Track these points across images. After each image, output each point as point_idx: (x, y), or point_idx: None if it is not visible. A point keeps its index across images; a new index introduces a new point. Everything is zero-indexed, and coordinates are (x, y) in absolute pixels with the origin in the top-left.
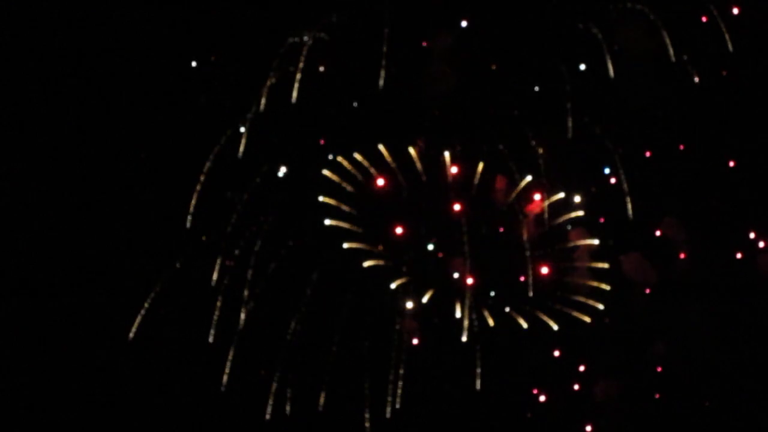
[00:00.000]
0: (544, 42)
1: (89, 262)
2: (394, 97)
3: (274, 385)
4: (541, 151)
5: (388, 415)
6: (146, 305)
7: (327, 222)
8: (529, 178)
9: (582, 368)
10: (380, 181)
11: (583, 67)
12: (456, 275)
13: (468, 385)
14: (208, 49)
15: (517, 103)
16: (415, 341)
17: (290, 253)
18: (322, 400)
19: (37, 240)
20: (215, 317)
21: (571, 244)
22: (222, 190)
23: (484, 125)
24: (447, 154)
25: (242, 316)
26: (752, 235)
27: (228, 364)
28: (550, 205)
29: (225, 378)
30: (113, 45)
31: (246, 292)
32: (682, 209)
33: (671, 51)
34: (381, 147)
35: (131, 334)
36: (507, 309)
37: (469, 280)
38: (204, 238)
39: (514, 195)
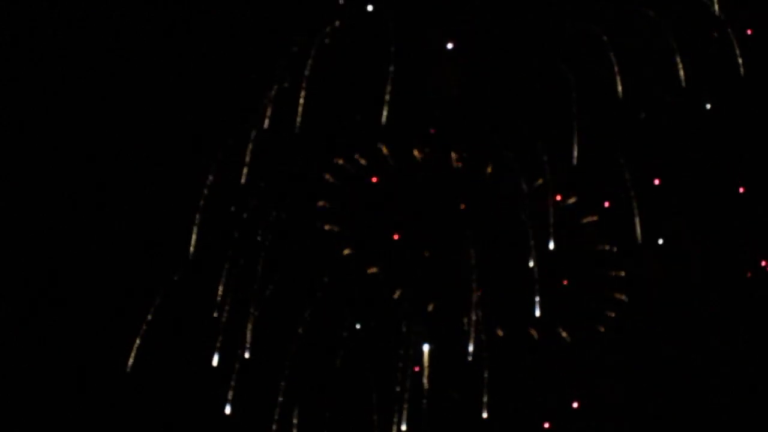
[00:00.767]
0: (552, 48)
1: (82, 286)
2: (399, 101)
3: (278, 410)
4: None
5: None
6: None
7: (326, 227)
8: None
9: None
10: (380, 185)
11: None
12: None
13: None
14: (210, 56)
15: (523, 108)
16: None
17: (292, 269)
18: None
19: (26, 263)
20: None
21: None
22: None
23: (490, 130)
24: (453, 155)
25: (248, 335)
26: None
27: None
28: (560, 211)
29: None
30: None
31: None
32: (692, 213)
33: (682, 74)
34: (384, 150)
35: (129, 365)
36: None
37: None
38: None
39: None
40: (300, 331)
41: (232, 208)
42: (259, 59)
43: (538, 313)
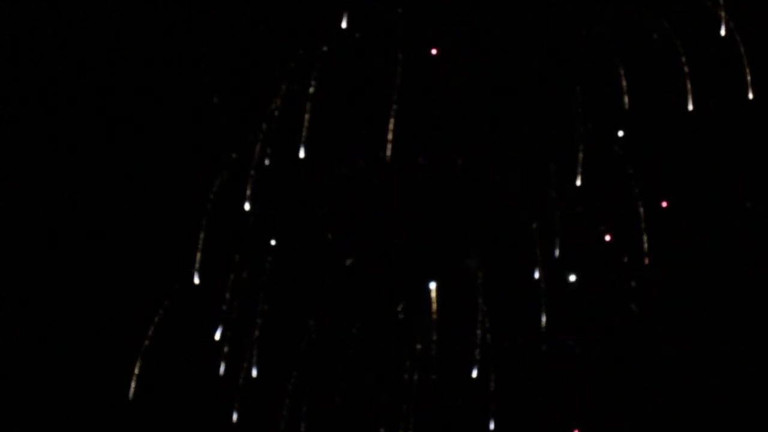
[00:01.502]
0: (558, 53)
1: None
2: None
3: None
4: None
5: None
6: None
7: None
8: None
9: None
10: (383, 191)
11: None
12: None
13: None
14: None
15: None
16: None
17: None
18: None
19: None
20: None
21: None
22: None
23: (493, 132)
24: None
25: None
26: None
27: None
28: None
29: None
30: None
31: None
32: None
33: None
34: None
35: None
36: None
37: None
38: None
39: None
40: (306, 337)
41: (246, 207)
42: (257, 76)
43: (544, 321)
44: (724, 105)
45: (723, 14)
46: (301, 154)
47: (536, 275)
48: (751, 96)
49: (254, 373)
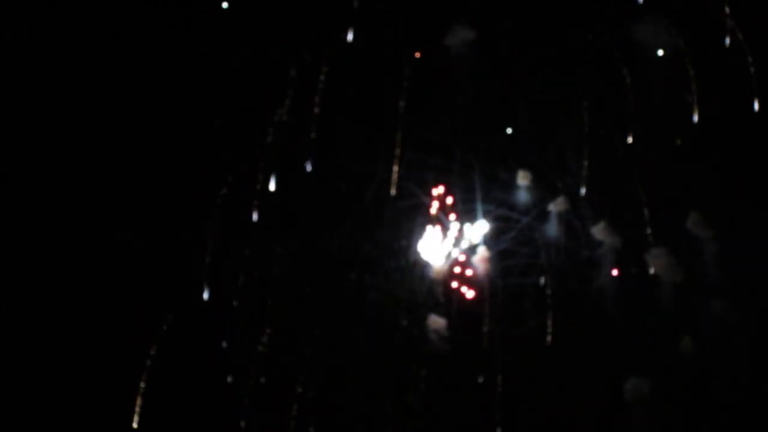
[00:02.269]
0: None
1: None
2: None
3: None
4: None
5: None
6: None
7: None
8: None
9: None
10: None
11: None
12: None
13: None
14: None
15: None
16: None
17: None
18: None
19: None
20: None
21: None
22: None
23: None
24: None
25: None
26: None
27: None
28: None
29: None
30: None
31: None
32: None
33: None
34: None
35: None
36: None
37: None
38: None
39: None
40: (312, 345)
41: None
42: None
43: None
44: (729, 116)
45: (729, 22)
46: (308, 167)
47: (542, 281)
48: (756, 107)
49: (262, 380)
